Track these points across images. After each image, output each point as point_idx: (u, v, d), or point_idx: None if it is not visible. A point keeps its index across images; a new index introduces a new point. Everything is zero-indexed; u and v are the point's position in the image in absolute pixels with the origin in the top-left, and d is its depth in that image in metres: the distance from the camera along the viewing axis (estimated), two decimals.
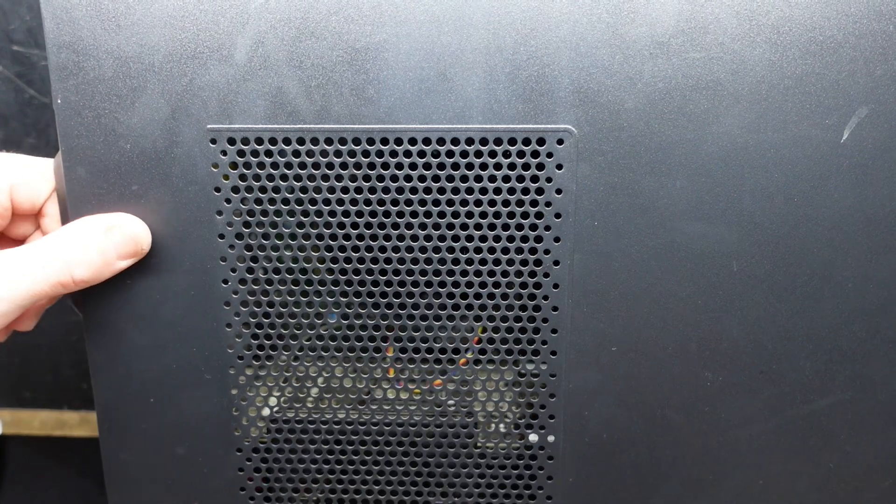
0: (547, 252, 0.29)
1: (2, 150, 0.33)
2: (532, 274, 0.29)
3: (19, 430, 0.52)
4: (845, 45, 0.27)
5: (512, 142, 0.28)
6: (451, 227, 0.29)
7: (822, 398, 0.30)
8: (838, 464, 0.31)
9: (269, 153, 0.28)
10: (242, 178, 0.28)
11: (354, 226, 0.29)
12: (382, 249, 0.29)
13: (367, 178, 0.28)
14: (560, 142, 0.28)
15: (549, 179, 0.28)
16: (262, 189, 0.29)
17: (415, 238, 0.29)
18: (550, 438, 0.31)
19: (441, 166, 0.28)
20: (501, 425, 0.31)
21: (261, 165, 0.28)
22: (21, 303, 0.27)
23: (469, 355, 0.30)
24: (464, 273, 0.29)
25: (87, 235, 0.28)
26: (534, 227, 0.28)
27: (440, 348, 0.30)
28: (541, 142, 0.28)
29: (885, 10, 0.26)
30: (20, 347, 0.51)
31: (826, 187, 0.28)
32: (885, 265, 0.28)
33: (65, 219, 0.29)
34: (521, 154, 0.28)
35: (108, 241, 0.28)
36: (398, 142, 0.28)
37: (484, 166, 0.28)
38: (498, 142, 0.28)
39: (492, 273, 0.29)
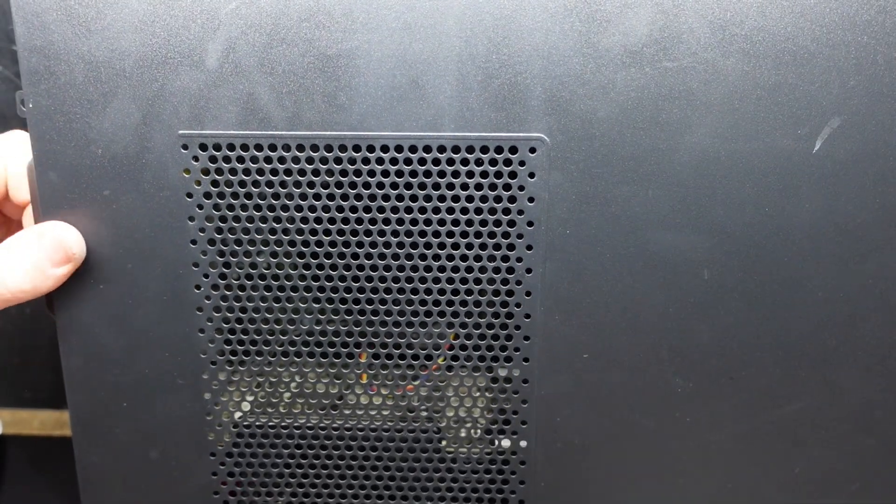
0: (519, 260, 0.29)
1: None
2: (505, 281, 0.29)
3: (19, 430, 0.52)
4: (818, 56, 0.27)
5: (484, 150, 0.28)
6: (423, 234, 0.29)
7: (790, 404, 0.30)
8: (806, 468, 0.31)
9: (240, 159, 0.28)
10: (214, 183, 0.28)
11: (327, 232, 0.29)
12: (355, 256, 0.29)
13: (339, 184, 0.28)
14: (532, 150, 0.28)
15: (521, 188, 0.28)
16: (235, 195, 0.28)
17: (387, 245, 0.29)
18: (523, 444, 0.31)
19: (413, 174, 0.28)
20: (473, 430, 0.31)
21: (233, 171, 0.28)
22: None
23: (441, 361, 0.30)
24: (436, 280, 0.29)
25: (19, 245, 0.28)
26: (506, 235, 0.29)
27: (413, 354, 0.30)
28: (513, 150, 0.28)
29: (859, 20, 0.26)
30: (20, 347, 0.51)
31: (797, 197, 0.28)
32: (854, 274, 0.29)
33: (38, 222, 0.29)
34: (493, 162, 0.28)
35: (40, 249, 0.27)
36: (370, 149, 0.28)
37: (456, 174, 0.28)
38: (470, 150, 0.28)
39: (465, 280, 0.29)
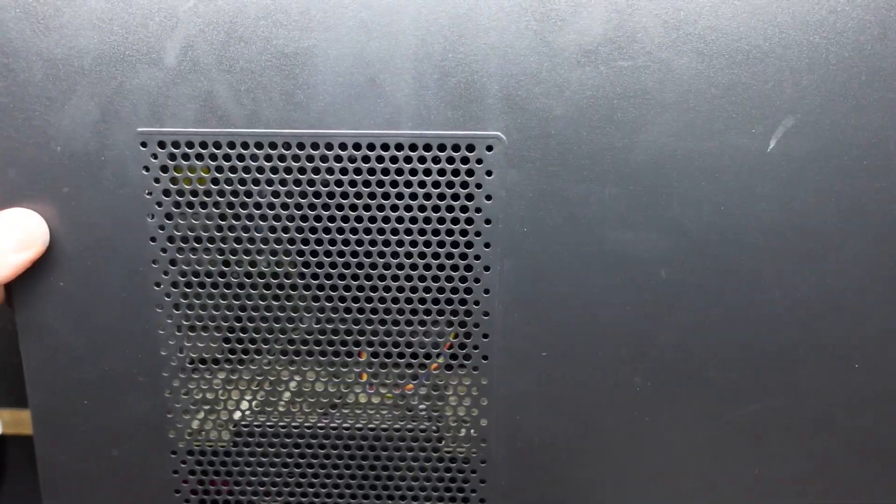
0: (477, 258, 0.29)
1: None
2: (463, 279, 0.29)
3: (19, 430, 0.52)
4: (771, 55, 0.27)
5: (441, 148, 0.28)
6: (381, 231, 0.29)
7: (751, 404, 0.30)
8: (769, 469, 0.31)
9: (199, 156, 0.28)
10: (173, 181, 0.28)
11: (285, 229, 0.29)
12: (314, 254, 0.29)
13: (297, 182, 0.28)
14: (489, 148, 0.28)
15: (478, 185, 0.28)
16: (194, 192, 0.29)
17: (346, 243, 0.29)
18: (482, 444, 0.31)
19: (371, 171, 0.28)
20: (435, 429, 0.31)
21: (191, 169, 0.28)
22: None
23: (441, 360, 0.30)
24: (395, 278, 0.29)
25: None
26: (464, 233, 0.29)
27: (371, 353, 0.30)
28: (470, 148, 0.28)
29: (811, 20, 0.27)
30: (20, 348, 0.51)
31: (753, 195, 0.28)
32: (811, 273, 0.29)
33: None
34: (450, 160, 0.28)
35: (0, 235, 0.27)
36: (328, 146, 0.28)
37: (414, 172, 0.28)
38: (427, 148, 0.28)
39: (423, 278, 0.29)
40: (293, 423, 0.31)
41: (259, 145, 0.28)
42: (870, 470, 0.31)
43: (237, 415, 0.31)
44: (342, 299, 0.30)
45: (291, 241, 0.29)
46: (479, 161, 0.28)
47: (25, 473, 0.54)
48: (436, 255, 0.29)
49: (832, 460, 0.31)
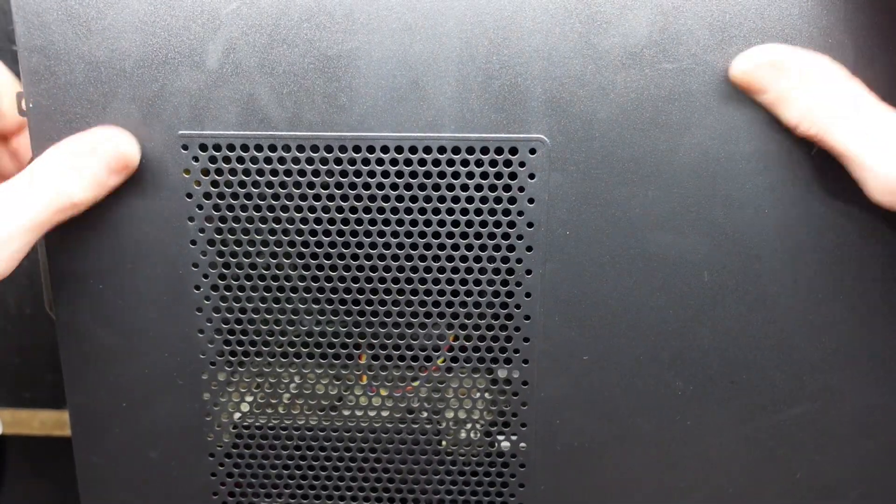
0: (519, 261, 0.29)
1: None
2: (504, 283, 0.29)
3: (19, 430, 0.52)
4: None
5: (484, 151, 0.28)
6: (423, 235, 0.29)
7: (791, 408, 0.30)
8: (807, 473, 0.31)
9: (240, 159, 0.28)
10: (214, 184, 0.28)
11: (326, 233, 0.29)
12: (355, 257, 0.29)
13: (339, 185, 0.28)
14: (532, 151, 0.28)
15: (521, 189, 0.28)
16: (234, 195, 0.28)
17: (387, 246, 0.29)
18: (522, 446, 0.31)
19: (413, 175, 0.28)
20: (473, 432, 0.31)
21: (233, 172, 0.28)
22: (29, 238, 0.26)
23: (441, 362, 0.30)
24: (436, 281, 0.29)
25: (74, 159, 0.27)
26: (506, 236, 0.29)
27: (412, 355, 0.30)
28: (513, 151, 0.28)
29: (858, 22, 0.26)
30: (20, 347, 0.51)
31: (797, 198, 0.28)
32: (853, 276, 0.29)
33: None
34: (493, 163, 0.28)
35: (97, 160, 0.27)
36: (370, 150, 0.28)
37: (456, 175, 0.28)
38: (470, 151, 0.28)
39: (464, 281, 0.29)
40: (332, 426, 0.31)
41: (301, 148, 0.28)
42: None
43: (277, 418, 0.31)
44: (383, 303, 0.29)
45: (333, 245, 0.29)
46: (522, 164, 0.28)
47: (25, 473, 0.54)
48: (478, 259, 0.29)
49: (871, 466, 0.31)
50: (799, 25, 0.26)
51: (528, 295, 0.29)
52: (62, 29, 0.27)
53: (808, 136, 0.26)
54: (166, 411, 0.31)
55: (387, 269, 0.29)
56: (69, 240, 0.29)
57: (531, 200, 0.28)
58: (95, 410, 0.31)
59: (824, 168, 0.27)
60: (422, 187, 0.28)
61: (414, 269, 0.29)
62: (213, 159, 0.28)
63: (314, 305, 0.30)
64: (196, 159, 0.28)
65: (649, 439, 0.30)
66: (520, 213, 0.28)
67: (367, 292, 0.29)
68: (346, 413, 0.31)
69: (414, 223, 0.28)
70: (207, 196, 0.28)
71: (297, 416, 0.31)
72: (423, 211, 0.28)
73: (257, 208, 0.29)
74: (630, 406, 0.30)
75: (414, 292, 0.29)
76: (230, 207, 0.29)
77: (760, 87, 0.26)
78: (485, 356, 0.30)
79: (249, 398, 0.31)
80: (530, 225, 0.28)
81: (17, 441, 0.53)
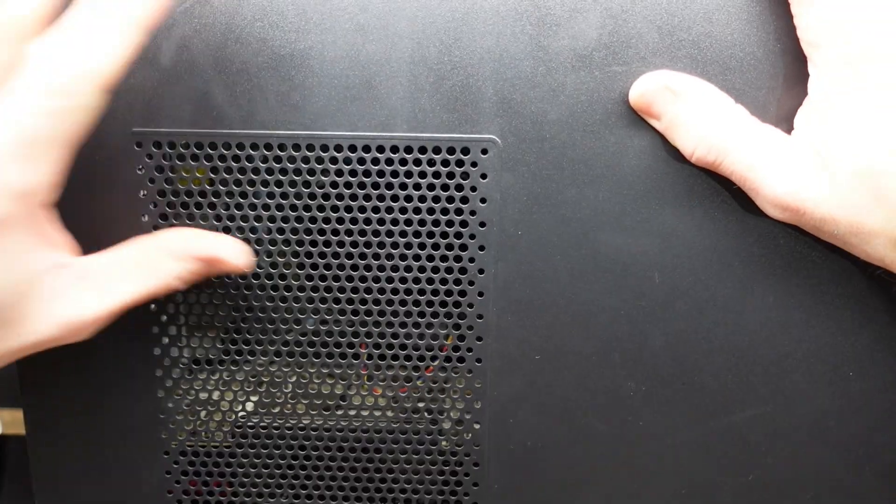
0: (472, 260, 0.29)
1: None
2: (457, 282, 0.29)
3: (19, 431, 0.52)
4: (765, 63, 0.27)
5: (437, 150, 0.28)
6: (376, 234, 0.29)
7: (743, 410, 0.30)
8: (760, 476, 0.31)
9: (194, 157, 0.28)
10: (168, 181, 0.28)
11: (280, 231, 0.29)
12: (308, 255, 0.29)
13: (292, 183, 0.28)
14: (484, 151, 0.28)
15: (473, 188, 0.28)
16: (188, 193, 0.29)
17: (341, 244, 0.29)
18: (475, 446, 0.31)
19: (366, 174, 0.28)
20: (428, 430, 0.31)
21: (186, 169, 0.28)
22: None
23: (436, 363, 0.30)
24: (389, 280, 0.29)
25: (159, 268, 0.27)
26: (459, 236, 0.29)
27: (367, 354, 0.30)
28: (465, 151, 0.28)
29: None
30: None
31: (746, 202, 0.28)
32: (805, 278, 0.29)
33: None
34: (445, 163, 0.28)
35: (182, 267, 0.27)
36: (324, 148, 0.28)
37: (409, 174, 0.28)
38: (423, 150, 0.28)
39: (417, 280, 0.29)
40: (286, 424, 0.31)
41: (255, 146, 0.28)
42: (861, 477, 0.31)
43: (231, 416, 0.31)
44: (338, 301, 0.30)
45: (287, 243, 0.29)
46: (474, 164, 0.28)
47: (25, 473, 0.54)
48: (430, 258, 0.29)
49: (824, 469, 0.31)
50: (747, 31, 0.27)
51: (480, 294, 0.29)
52: None
53: (704, 163, 0.27)
54: (121, 408, 0.31)
55: (340, 267, 0.29)
56: None
57: (483, 200, 0.28)
58: (50, 406, 0.31)
59: None
60: (375, 186, 0.28)
61: (367, 268, 0.29)
62: (166, 156, 0.28)
63: (268, 303, 0.30)
64: (150, 157, 0.28)
65: (602, 439, 0.31)
66: (472, 213, 0.28)
67: (322, 290, 0.30)
68: (307, 411, 0.31)
69: (367, 222, 0.29)
70: (161, 193, 0.29)
71: (251, 414, 0.31)
72: (376, 210, 0.29)
73: (211, 206, 0.29)
74: (582, 406, 0.30)
75: (367, 291, 0.29)
76: (184, 205, 0.29)
77: (656, 110, 0.27)
78: (438, 355, 0.30)
79: (204, 395, 0.31)
80: (483, 224, 0.29)
81: (17, 441, 0.53)
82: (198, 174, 0.28)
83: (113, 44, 0.24)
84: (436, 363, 0.30)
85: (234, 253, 0.27)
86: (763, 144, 0.26)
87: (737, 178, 0.27)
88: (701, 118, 0.26)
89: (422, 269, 0.29)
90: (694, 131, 0.26)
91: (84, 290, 0.26)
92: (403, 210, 0.28)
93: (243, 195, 0.28)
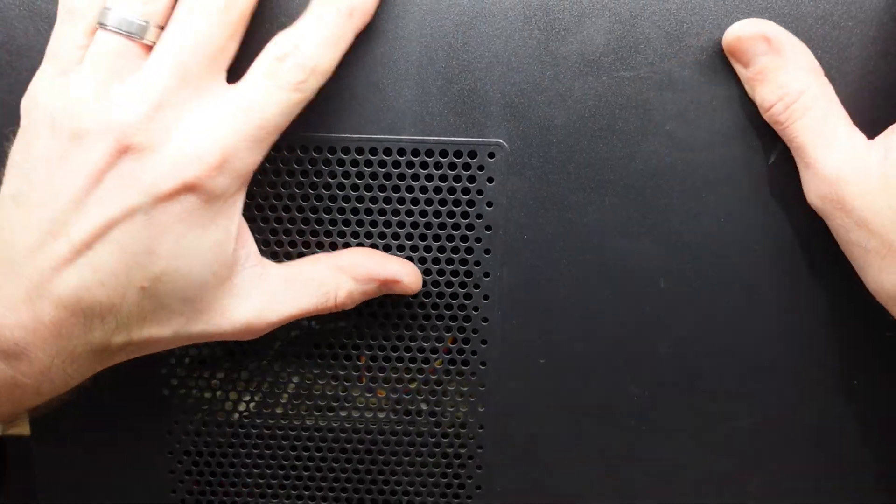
0: (477, 264, 0.29)
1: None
2: (462, 285, 0.29)
3: (19, 431, 0.52)
4: None
5: (443, 154, 0.28)
6: (382, 236, 0.29)
7: (746, 417, 0.30)
8: (762, 483, 0.31)
9: None
10: None
11: (286, 232, 0.29)
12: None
13: (299, 185, 0.28)
14: (491, 155, 0.28)
15: (479, 192, 0.28)
16: None
17: (346, 247, 0.29)
18: (479, 449, 0.31)
19: (373, 176, 0.28)
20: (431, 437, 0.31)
21: None
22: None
23: (438, 364, 0.30)
24: None
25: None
26: (465, 239, 0.29)
27: (371, 356, 0.30)
28: (472, 155, 0.28)
29: (814, 35, 0.27)
30: None
31: (753, 207, 0.28)
32: (810, 287, 0.29)
33: None
34: (452, 166, 0.28)
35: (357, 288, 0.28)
36: (331, 150, 0.28)
37: (416, 177, 0.28)
38: (429, 153, 0.28)
39: (422, 283, 0.29)
40: (290, 424, 0.31)
41: None
42: (866, 484, 0.31)
43: (234, 416, 0.31)
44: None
45: (293, 245, 0.29)
46: (481, 168, 0.28)
47: (25, 473, 0.54)
48: (436, 261, 0.29)
49: (825, 477, 0.31)
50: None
51: (485, 298, 0.29)
52: (23, 25, 0.27)
53: (775, 120, 0.26)
54: (125, 407, 0.31)
55: None
56: None
57: (490, 204, 0.28)
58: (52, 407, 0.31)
59: (781, 178, 0.28)
60: (381, 189, 0.28)
61: None
62: None
63: None
64: None
65: (604, 444, 0.31)
66: (478, 217, 0.28)
67: None
68: (307, 412, 0.31)
69: (374, 224, 0.29)
70: None
71: (254, 414, 0.31)
72: (382, 212, 0.29)
73: None
74: (586, 410, 0.30)
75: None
76: None
77: (747, 58, 0.26)
78: (443, 357, 0.30)
79: (208, 394, 0.31)
80: (488, 228, 0.29)
81: (17, 441, 0.53)
82: None
83: (341, 47, 0.25)
84: (439, 366, 0.30)
85: (411, 276, 0.28)
86: (835, 122, 0.26)
87: (797, 144, 0.26)
88: (790, 75, 0.26)
89: (427, 272, 0.29)
90: (779, 87, 0.26)
91: (269, 295, 0.26)
92: (409, 213, 0.28)
93: (249, 197, 0.28)
